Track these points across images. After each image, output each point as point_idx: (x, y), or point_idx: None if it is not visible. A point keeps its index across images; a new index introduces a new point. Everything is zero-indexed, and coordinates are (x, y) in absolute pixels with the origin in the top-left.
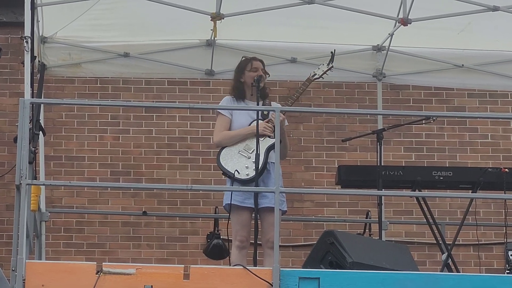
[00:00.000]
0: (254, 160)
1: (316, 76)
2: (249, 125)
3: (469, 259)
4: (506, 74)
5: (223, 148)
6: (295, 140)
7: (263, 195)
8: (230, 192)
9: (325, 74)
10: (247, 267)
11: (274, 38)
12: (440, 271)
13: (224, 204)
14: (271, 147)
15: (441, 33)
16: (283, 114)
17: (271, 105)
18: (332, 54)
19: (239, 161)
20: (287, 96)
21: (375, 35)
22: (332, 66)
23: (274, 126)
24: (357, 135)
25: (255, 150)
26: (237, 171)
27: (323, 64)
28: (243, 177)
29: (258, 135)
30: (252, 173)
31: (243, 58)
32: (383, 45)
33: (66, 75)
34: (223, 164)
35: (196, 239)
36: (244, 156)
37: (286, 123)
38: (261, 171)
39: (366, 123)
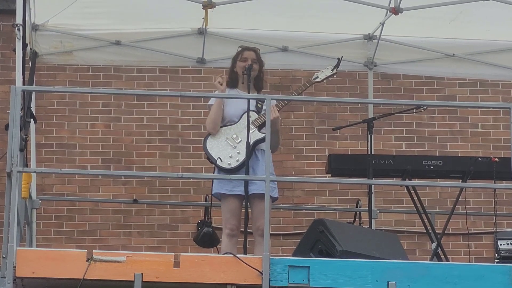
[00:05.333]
0: (239, 151)
1: (317, 80)
2: (240, 117)
3: (458, 248)
4: (497, 63)
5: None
6: (286, 129)
7: (253, 182)
8: (218, 180)
9: (327, 79)
10: (237, 256)
11: (266, 27)
12: (429, 260)
13: (213, 192)
14: (258, 141)
15: (432, 22)
16: (278, 111)
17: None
18: (339, 60)
19: (224, 149)
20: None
21: (366, 24)
22: (336, 72)
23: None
24: (347, 124)
25: (245, 140)
26: (220, 158)
27: (327, 68)
28: (224, 166)
29: (248, 125)
30: (234, 163)
31: (239, 48)
32: (374, 34)
33: (57, 62)
34: (208, 149)
35: (187, 227)
36: (231, 145)
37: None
38: (244, 163)
39: (356, 112)
